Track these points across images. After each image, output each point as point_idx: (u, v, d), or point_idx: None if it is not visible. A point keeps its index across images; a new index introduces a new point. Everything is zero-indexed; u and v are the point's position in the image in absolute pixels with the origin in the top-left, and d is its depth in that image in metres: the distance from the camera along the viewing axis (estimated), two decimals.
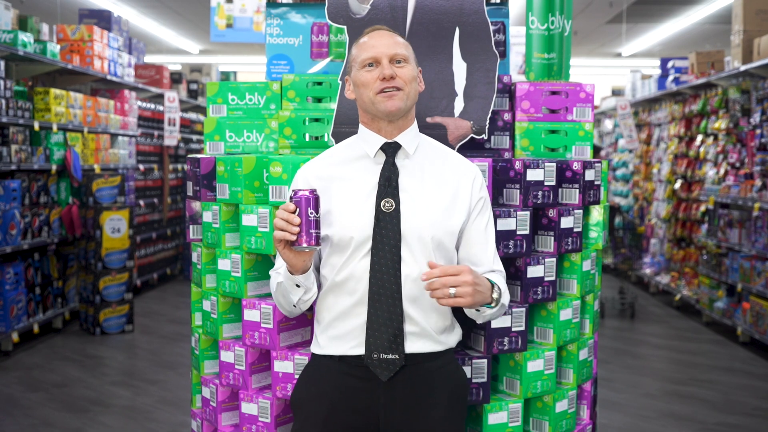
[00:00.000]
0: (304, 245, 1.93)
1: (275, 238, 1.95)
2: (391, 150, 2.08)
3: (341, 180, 2.09)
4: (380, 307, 2.01)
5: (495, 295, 1.99)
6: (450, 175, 2.10)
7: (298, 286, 2.04)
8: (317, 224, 1.94)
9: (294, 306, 2.09)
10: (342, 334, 2.07)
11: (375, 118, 2.08)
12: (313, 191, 1.95)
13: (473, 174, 2.13)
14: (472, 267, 2.10)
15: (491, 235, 2.15)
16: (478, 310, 2.02)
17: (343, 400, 2.06)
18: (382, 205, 2.02)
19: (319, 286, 2.13)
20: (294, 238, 1.92)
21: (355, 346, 2.05)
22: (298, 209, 1.92)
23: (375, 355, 2.02)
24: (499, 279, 2.09)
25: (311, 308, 2.38)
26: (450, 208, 2.06)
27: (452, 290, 1.88)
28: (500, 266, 2.16)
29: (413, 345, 2.05)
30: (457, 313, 2.17)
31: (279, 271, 2.08)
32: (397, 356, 2.02)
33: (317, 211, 1.94)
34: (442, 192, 2.07)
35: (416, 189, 2.06)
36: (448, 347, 2.12)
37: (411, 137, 2.10)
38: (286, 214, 1.92)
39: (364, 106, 2.09)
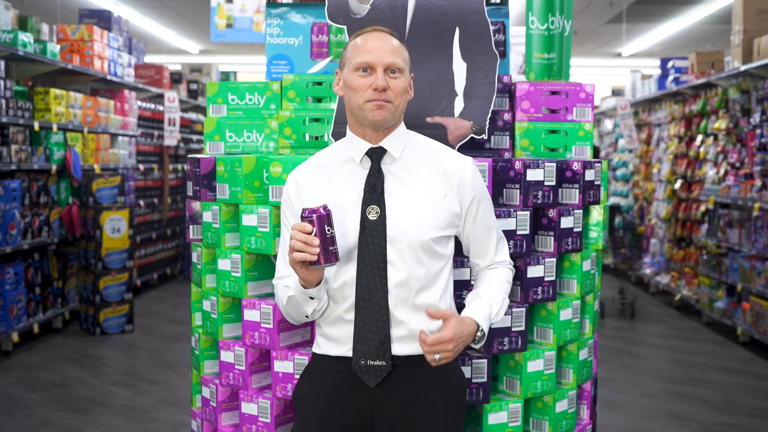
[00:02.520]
0: (324, 264, 1.92)
1: (294, 260, 1.93)
2: (376, 156, 2.06)
3: (329, 186, 2.08)
4: (366, 314, 2.01)
5: (478, 336, 2.03)
6: (440, 175, 2.08)
7: (311, 298, 2.03)
8: (334, 240, 1.92)
9: (307, 317, 2.08)
10: (337, 337, 2.08)
11: (360, 123, 2.07)
12: (325, 207, 1.92)
13: (464, 171, 2.09)
14: (475, 259, 2.16)
15: (492, 225, 2.14)
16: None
17: (340, 398, 2.06)
18: (367, 213, 2.02)
19: None
20: (315, 258, 1.91)
21: (350, 349, 2.06)
22: (314, 228, 1.91)
23: (362, 362, 2.03)
24: (494, 303, 2.10)
25: None
26: (439, 209, 2.05)
27: (437, 356, 1.96)
28: (504, 255, 2.17)
29: (407, 348, 2.04)
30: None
31: (288, 284, 2.07)
32: (384, 363, 2.02)
33: (332, 227, 1.92)
34: (430, 194, 2.05)
35: (403, 193, 2.05)
36: None
37: (397, 141, 2.08)
38: (303, 236, 1.90)
39: (351, 109, 2.07)
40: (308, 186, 2.09)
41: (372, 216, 2.01)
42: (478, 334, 2.03)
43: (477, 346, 2.07)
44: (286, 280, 2.09)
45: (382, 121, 2.02)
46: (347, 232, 2.03)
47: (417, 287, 2.03)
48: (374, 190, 2.03)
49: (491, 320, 2.07)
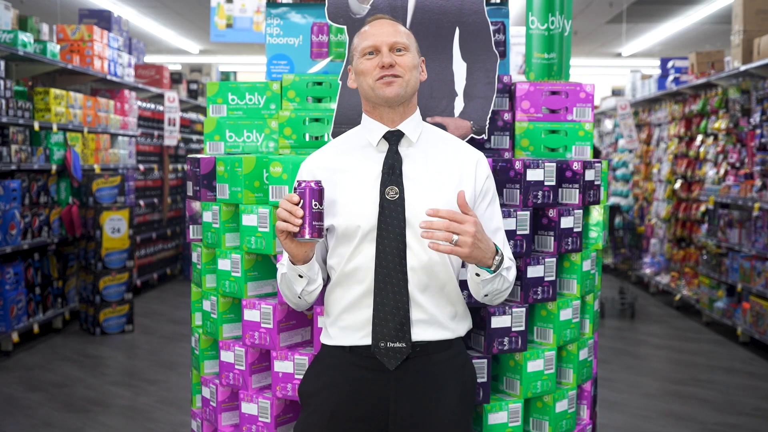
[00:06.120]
0: (307, 237, 1.92)
1: (277, 229, 1.94)
2: (394, 138, 2.08)
3: (346, 170, 2.09)
4: (386, 296, 2.01)
5: (497, 260, 1.96)
6: (454, 161, 2.10)
7: (300, 276, 2.03)
8: (320, 216, 1.93)
9: (299, 297, 2.08)
10: (351, 324, 2.07)
11: (376, 106, 2.08)
12: (318, 183, 1.94)
13: (477, 158, 2.13)
14: None
15: (498, 220, 2.14)
16: (477, 275, 2.00)
17: (353, 392, 2.06)
18: (386, 194, 2.02)
19: (327, 278, 2.13)
20: (297, 229, 1.92)
21: (364, 336, 2.05)
22: (301, 200, 1.92)
23: (382, 344, 2.02)
24: (506, 258, 2.05)
25: (311, 308, 2.38)
26: (456, 192, 2.05)
27: (456, 237, 1.87)
28: (509, 253, 2.14)
29: (422, 333, 2.05)
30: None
31: (283, 263, 2.08)
32: (404, 344, 2.02)
33: (321, 203, 1.93)
34: (446, 178, 2.07)
35: (420, 176, 2.06)
36: (457, 335, 2.11)
37: (414, 125, 2.11)
38: (289, 206, 1.92)
39: (364, 94, 2.09)
40: (323, 172, 2.09)
41: (391, 196, 2.02)
42: (496, 258, 1.96)
43: (485, 278, 1.98)
44: (284, 261, 2.10)
45: (395, 96, 2.03)
46: (366, 214, 2.03)
47: (435, 271, 2.04)
48: (393, 171, 2.05)
49: (503, 270, 2.00)
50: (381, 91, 2.03)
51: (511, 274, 2.07)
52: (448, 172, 2.08)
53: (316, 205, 1.92)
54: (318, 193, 1.93)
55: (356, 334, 2.06)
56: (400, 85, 2.03)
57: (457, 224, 1.87)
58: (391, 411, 2.04)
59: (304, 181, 1.93)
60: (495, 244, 1.99)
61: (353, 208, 2.04)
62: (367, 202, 2.04)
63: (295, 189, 1.94)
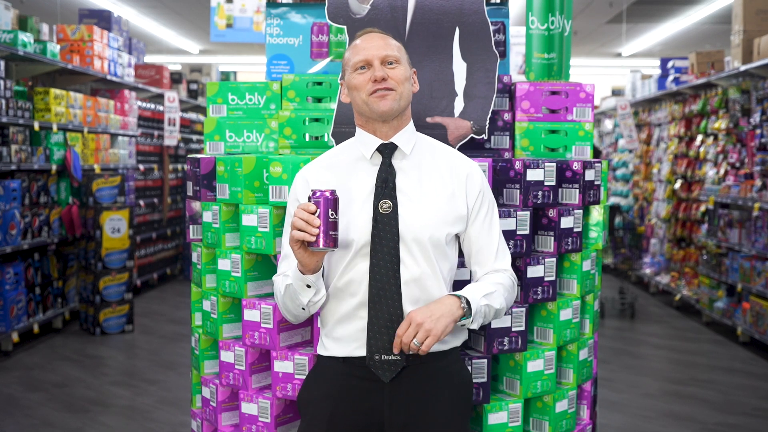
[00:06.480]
0: (322, 246, 1.92)
1: (292, 238, 1.93)
2: (387, 151, 2.08)
3: (339, 183, 2.08)
4: (380, 309, 2.02)
5: (464, 307, 1.99)
6: (447, 174, 2.10)
7: (308, 286, 2.02)
8: (335, 226, 1.93)
9: (303, 309, 2.07)
10: (345, 336, 2.07)
11: (369, 120, 2.08)
12: (333, 192, 1.93)
13: (471, 171, 2.12)
14: (475, 266, 2.13)
15: (495, 231, 2.13)
16: (462, 324, 2.03)
17: (348, 401, 2.06)
18: (379, 207, 2.03)
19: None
20: (313, 239, 1.91)
21: (358, 348, 2.06)
22: (317, 210, 1.91)
23: (377, 357, 2.03)
24: (481, 286, 2.06)
25: None
26: (448, 207, 2.06)
27: (415, 341, 1.94)
28: (505, 263, 2.14)
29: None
30: None
31: (287, 274, 2.07)
32: (398, 357, 2.02)
33: (337, 213, 1.93)
34: (439, 191, 2.07)
35: (414, 189, 2.06)
36: (452, 346, 2.12)
37: (407, 137, 2.10)
38: (306, 215, 1.91)
39: (358, 109, 2.10)
40: (317, 184, 2.08)
41: (384, 209, 2.02)
42: (463, 304, 1.99)
43: (470, 322, 2.01)
44: (285, 272, 2.09)
45: (389, 110, 2.04)
46: (360, 228, 2.03)
47: (427, 285, 2.04)
48: (386, 185, 2.05)
49: (480, 300, 2.01)
50: (375, 105, 2.03)
51: (496, 299, 2.05)
52: (441, 185, 2.08)
53: (332, 214, 1.92)
54: (333, 202, 1.92)
55: (350, 345, 2.06)
56: (393, 98, 2.04)
57: (405, 335, 1.94)
58: (386, 420, 2.05)
59: (319, 191, 1.93)
60: (453, 294, 2.01)
61: (347, 222, 2.04)
62: (361, 215, 2.04)
63: (309, 198, 1.94)
